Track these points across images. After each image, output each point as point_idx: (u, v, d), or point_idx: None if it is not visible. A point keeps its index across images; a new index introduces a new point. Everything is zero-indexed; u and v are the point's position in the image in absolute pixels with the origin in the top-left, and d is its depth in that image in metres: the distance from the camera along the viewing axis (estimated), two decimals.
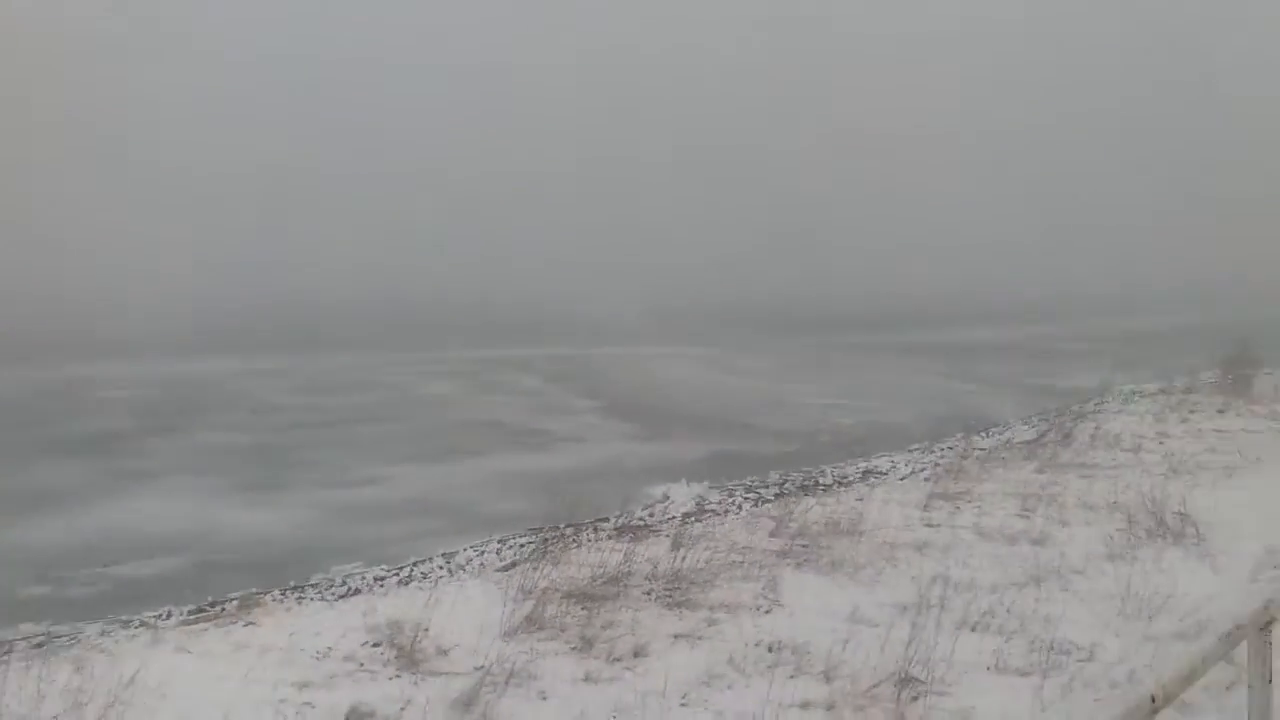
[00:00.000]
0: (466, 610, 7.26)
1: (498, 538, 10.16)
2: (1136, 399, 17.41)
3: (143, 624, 7.58)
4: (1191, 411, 15.53)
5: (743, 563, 8.23)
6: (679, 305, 55.33)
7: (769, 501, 11.80)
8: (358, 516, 12.21)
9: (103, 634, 7.34)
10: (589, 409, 21.65)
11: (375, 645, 6.77)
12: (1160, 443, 13.27)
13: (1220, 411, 15.48)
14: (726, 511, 11.41)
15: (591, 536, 9.92)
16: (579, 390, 24.78)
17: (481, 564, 9.13)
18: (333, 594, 8.32)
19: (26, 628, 7.56)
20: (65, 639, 7.27)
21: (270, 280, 66.78)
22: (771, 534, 9.30)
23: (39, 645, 7.17)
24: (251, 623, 7.34)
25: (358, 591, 8.38)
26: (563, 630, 6.92)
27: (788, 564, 8.34)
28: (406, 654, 6.53)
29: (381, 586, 8.53)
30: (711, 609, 7.36)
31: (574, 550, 8.77)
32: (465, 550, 9.74)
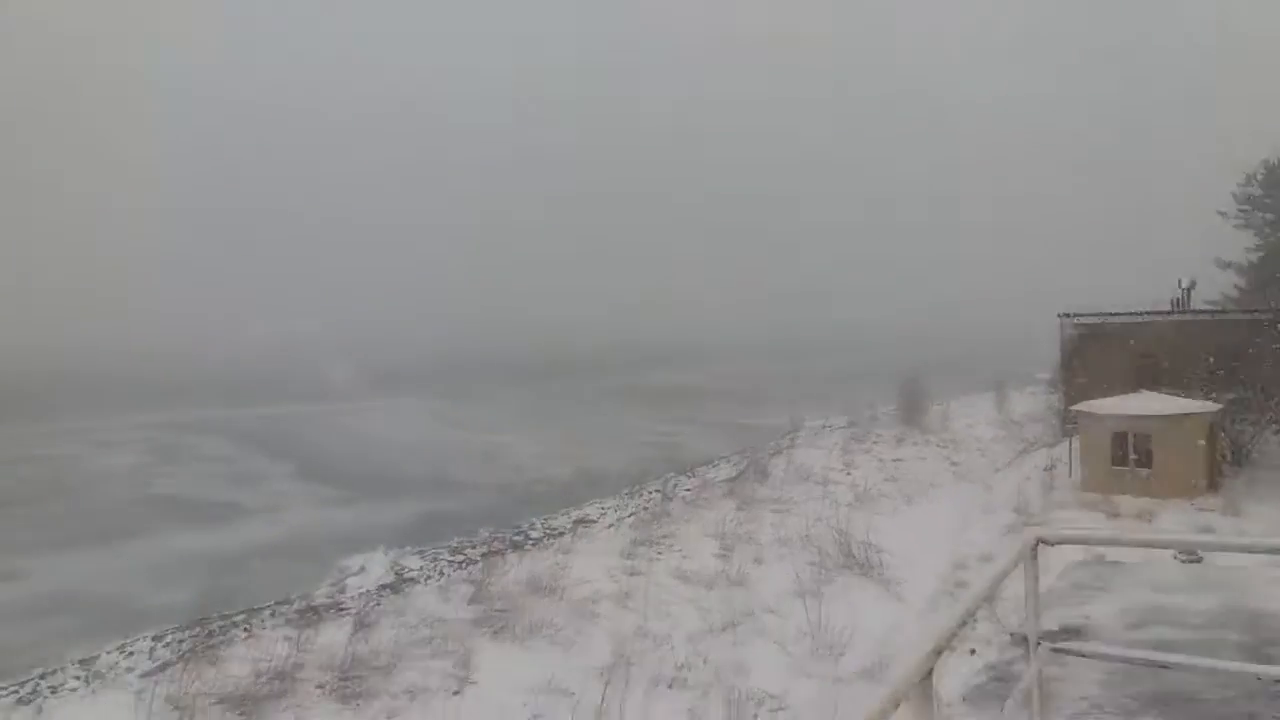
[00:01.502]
0: None
1: (151, 634, 8.76)
2: (825, 433, 18.54)
3: None
4: (875, 443, 16.70)
5: (433, 638, 7.56)
6: (400, 357, 53.51)
7: (475, 563, 11.17)
8: None
9: None
10: (284, 474, 19.96)
11: None
12: (847, 473, 14.07)
13: (899, 441, 16.78)
14: (428, 578, 10.66)
15: (268, 623, 8.83)
16: (275, 453, 22.87)
17: (128, 668, 7.78)
18: None
19: None
20: None
21: None
22: (470, 600, 8.70)
23: None
24: None
25: None
26: None
27: (483, 634, 7.78)
28: None
29: None
30: (393, 696, 6.64)
31: (240, 644, 7.71)
32: (109, 653, 8.28)
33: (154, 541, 13.92)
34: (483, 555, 11.59)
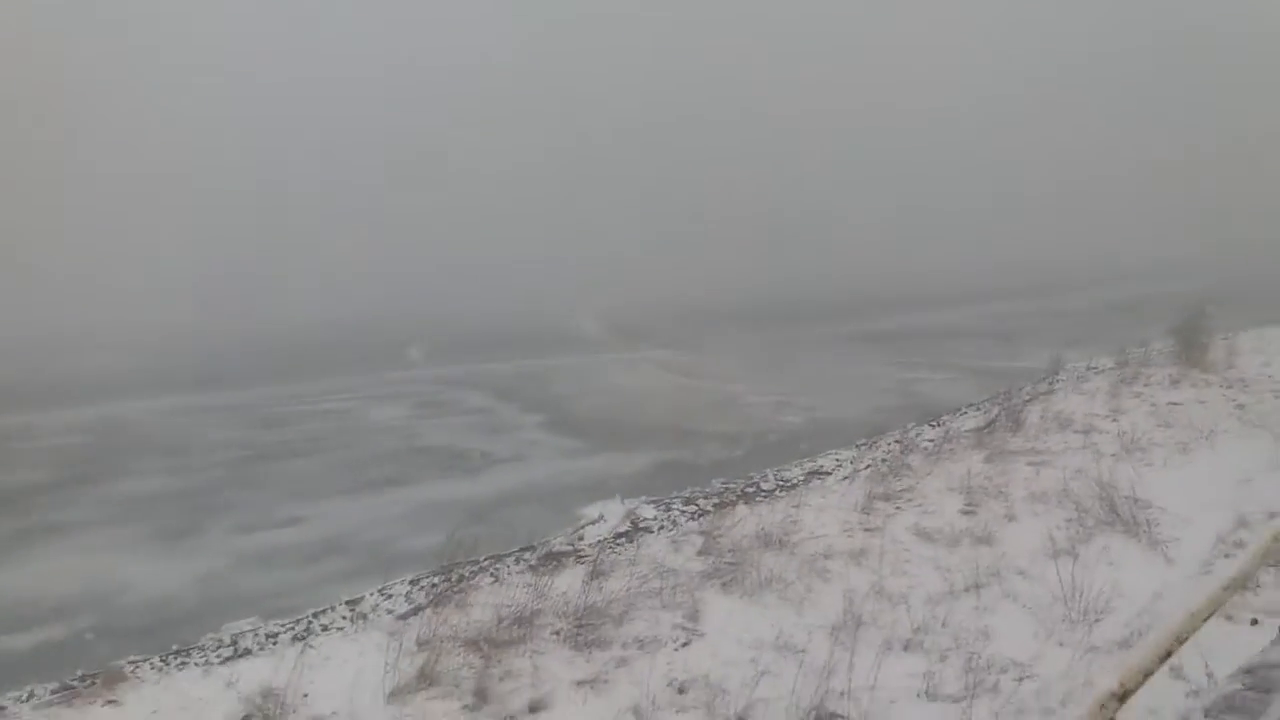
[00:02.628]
0: (353, 669, 6.61)
1: (409, 578, 9.48)
2: (1091, 375, 17.04)
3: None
4: (1145, 385, 15.15)
5: (663, 589, 7.63)
6: (640, 306, 54.68)
7: (706, 513, 11.22)
8: (267, 563, 11.48)
9: None
10: (533, 424, 20.98)
11: (247, 718, 6.10)
12: (1113, 421, 12.86)
13: (1174, 383, 15.13)
14: (661, 528, 10.83)
15: (511, 569, 9.30)
16: (527, 405, 24.10)
17: (388, 610, 8.46)
18: (218, 656, 7.61)
19: None
20: None
21: (229, 306, 65.23)
22: (699, 552, 8.72)
23: None
24: (113, 701, 6.64)
25: (248, 652, 7.69)
26: (457, 686, 6.29)
27: (712, 586, 7.76)
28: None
29: (274, 644, 7.83)
30: (624, 646, 6.77)
31: (485, 589, 8.14)
32: (371, 595, 9.05)
33: (417, 489, 15.07)
34: (714, 506, 11.62)
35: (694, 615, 7.20)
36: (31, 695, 7.10)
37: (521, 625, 7.11)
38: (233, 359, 41.26)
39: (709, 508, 11.53)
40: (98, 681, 7.24)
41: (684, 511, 11.62)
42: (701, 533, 9.26)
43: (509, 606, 7.41)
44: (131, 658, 7.68)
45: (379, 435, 21.48)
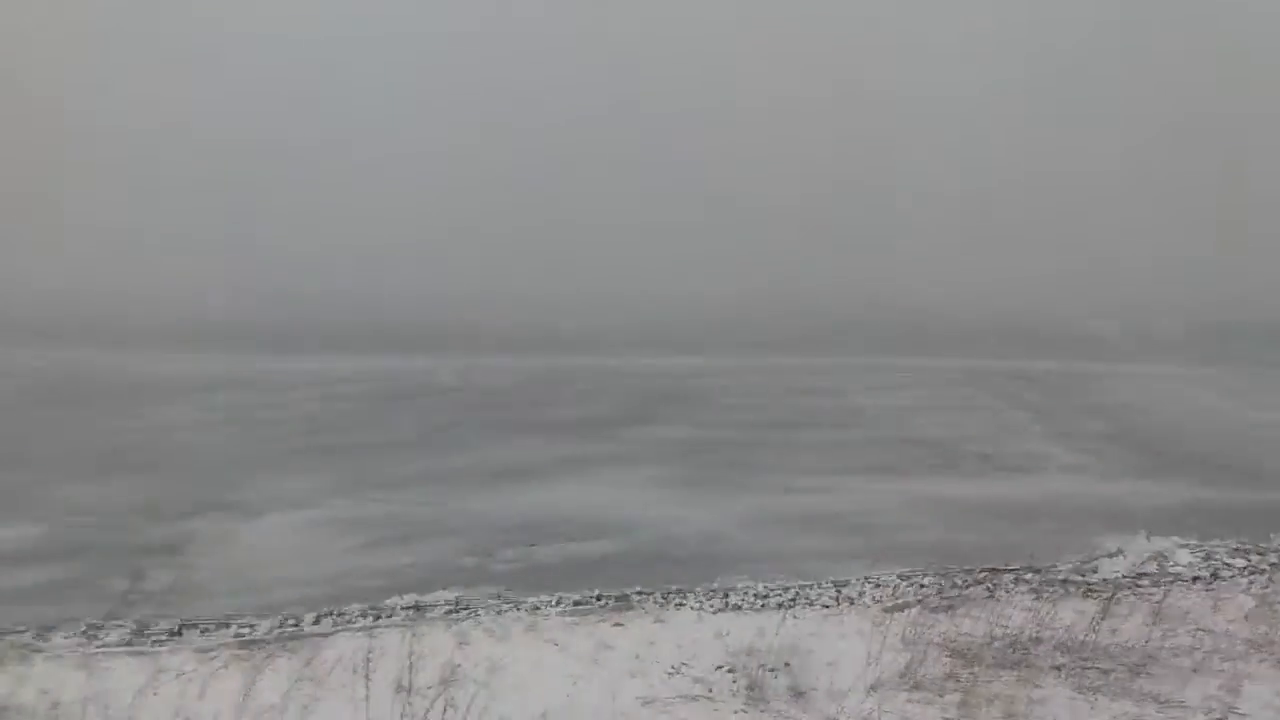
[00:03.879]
0: (834, 650, 6.65)
1: (898, 572, 9.30)
2: None
3: (534, 608, 8.02)
4: None
5: (1195, 649, 6.57)
6: (1160, 313, 47.78)
7: (1260, 572, 9.48)
8: (762, 526, 12.03)
9: (499, 612, 7.88)
10: (1039, 434, 19.41)
11: (730, 671, 6.44)
12: None
13: None
14: (1196, 578, 9.37)
15: (1011, 588, 8.69)
16: (1033, 411, 22.41)
17: (875, 599, 8.39)
18: (711, 606, 8.15)
19: (439, 594, 8.39)
20: (467, 612, 7.91)
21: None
22: (1248, 616, 7.37)
23: (447, 614, 7.89)
24: (620, 624, 7.42)
25: (737, 608, 8.13)
26: (940, 695, 6.02)
27: (1263, 660, 6.50)
28: (758, 689, 6.10)
29: (762, 605, 8.19)
30: (1138, 701, 5.95)
31: (978, 602, 7.70)
32: (857, 580, 9.04)
33: (909, 482, 14.78)
34: (1271, 565, 9.77)
35: (1234, 689, 6.10)
36: (559, 602, 8.18)
37: (1016, 650, 6.60)
38: (774, 327, 43.77)
39: (1263, 565, 9.71)
40: (610, 603, 8.15)
41: (1229, 564, 9.91)
42: (1253, 595, 7.82)
43: (1004, 627, 6.93)
44: (640, 589, 8.50)
45: (875, 420, 21.48)
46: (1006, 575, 9.20)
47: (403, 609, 8.07)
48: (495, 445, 17.59)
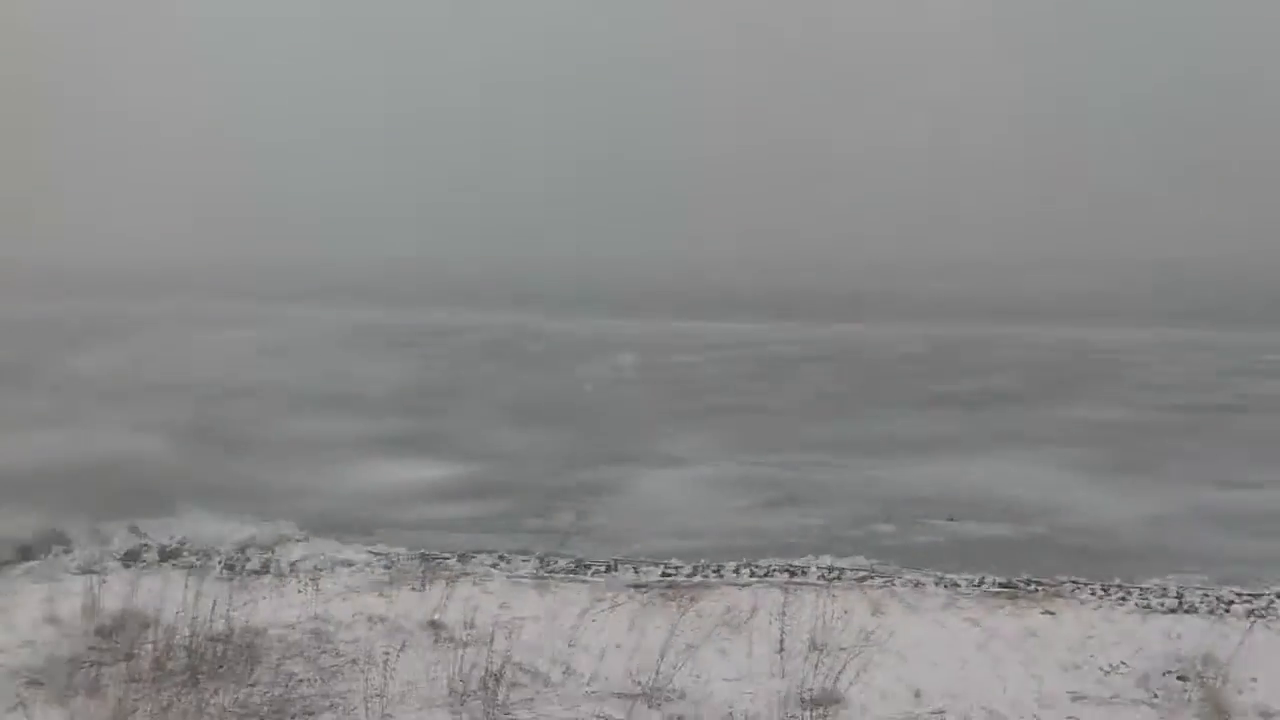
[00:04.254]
0: None
1: None
2: None
3: (953, 584, 7.82)
4: None
5: None
6: None
7: None
8: (1222, 523, 10.61)
9: (915, 585, 7.80)
10: None
11: (1180, 679, 5.82)
12: None
13: None
14: None
15: None
16: None
17: None
18: (1161, 604, 7.39)
19: (854, 560, 8.47)
20: (883, 580, 7.92)
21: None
22: None
23: (861, 580, 7.96)
24: (1050, 612, 7.02)
25: (1192, 609, 7.29)
26: None
27: None
28: (1213, 701, 5.46)
29: (1225, 611, 7.25)
30: None
31: None
32: None
33: None
34: None
35: None
36: (981, 582, 7.88)
37: None
38: (1216, 297, 38.75)
39: None
40: (1040, 590, 7.69)
41: None
42: None
43: None
44: (1072, 578, 7.93)
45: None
46: None
47: (818, 569, 8.26)
48: (893, 414, 17.30)
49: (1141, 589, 7.84)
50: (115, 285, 43.75)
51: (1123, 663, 6.06)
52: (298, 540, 8.72)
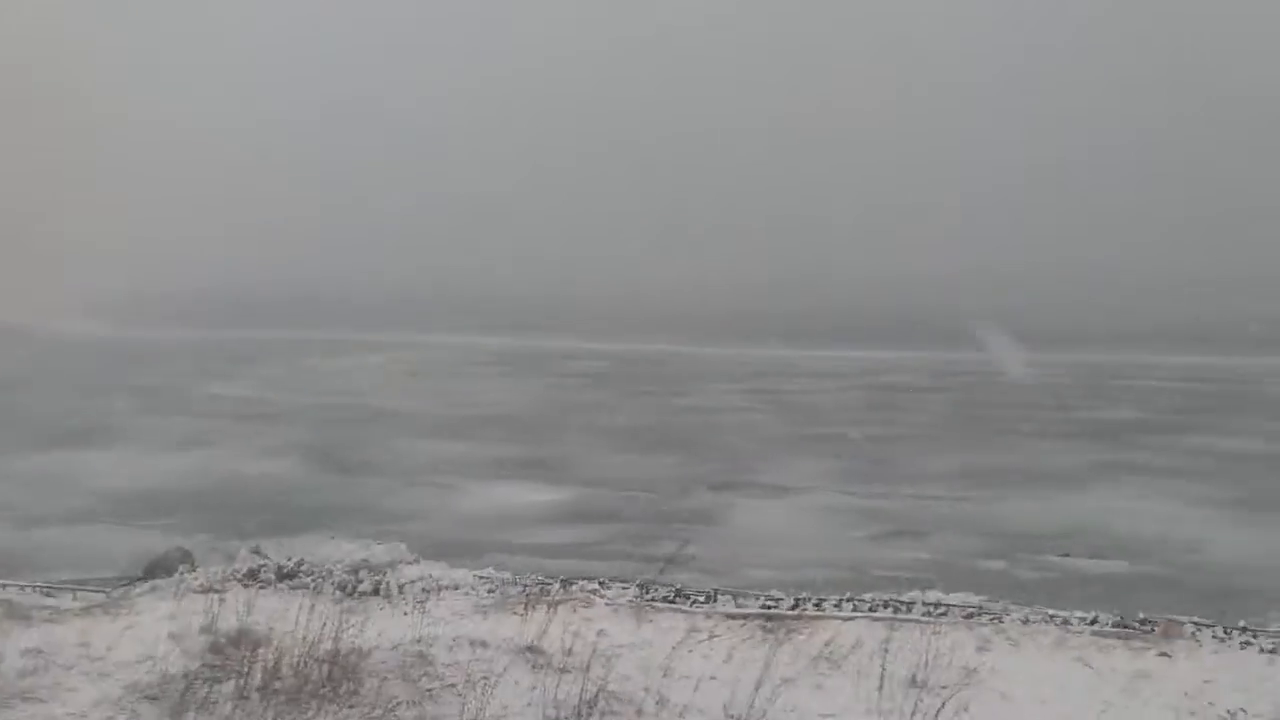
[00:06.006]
0: None
1: None
2: None
3: (1064, 622, 7.51)
4: None
5: None
6: None
7: None
8: None
9: (1025, 621, 7.54)
10: None
11: None
12: None
13: None
14: None
15: None
16: None
17: None
18: (1253, 644, 6.96)
19: (962, 595, 8.22)
20: (990, 617, 7.66)
21: None
22: None
23: (968, 616, 7.72)
24: (1166, 654, 6.67)
25: None
26: None
27: None
28: None
29: None
30: None
31: None
32: None
33: None
34: None
35: None
36: (1095, 620, 7.54)
37: None
38: None
39: None
40: (1156, 630, 7.30)
41: None
42: None
43: None
44: (1193, 619, 7.52)
45: None
46: None
47: (924, 604, 8.05)
48: (1007, 445, 16.71)
49: (1270, 632, 7.38)
50: (218, 311, 45.90)
51: (1242, 709, 5.71)
52: (409, 563, 9.00)
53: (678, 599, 8.28)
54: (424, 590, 8.12)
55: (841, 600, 8.27)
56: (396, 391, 24.32)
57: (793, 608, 8.08)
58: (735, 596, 8.37)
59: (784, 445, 17.06)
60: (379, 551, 9.20)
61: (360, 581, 8.20)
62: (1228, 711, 5.70)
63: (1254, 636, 7.26)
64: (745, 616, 7.73)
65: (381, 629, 6.55)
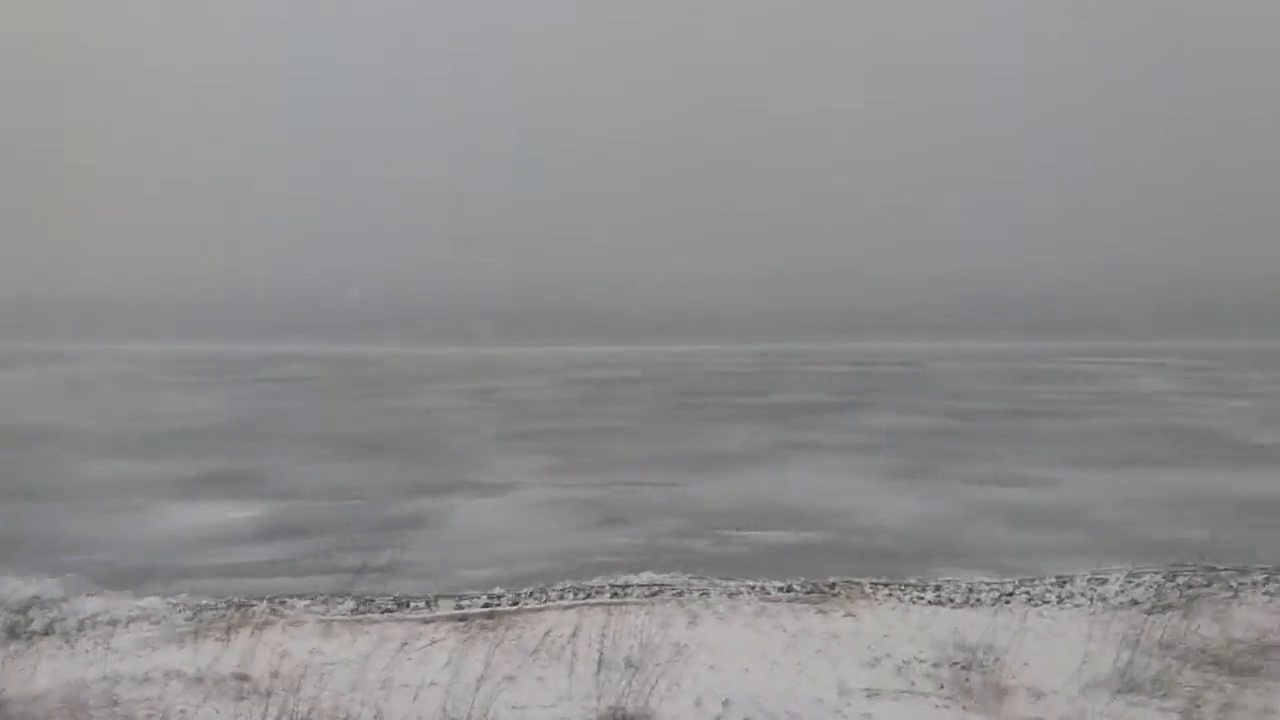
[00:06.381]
0: (1048, 649, 6.46)
1: (1127, 570, 8.78)
2: None
3: (734, 593, 8.19)
4: None
5: None
6: None
7: None
8: (986, 518, 11.59)
9: (701, 594, 8.12)
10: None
11: (934, 666, 6.40)
12: None
13: None
14: None
15: (1251, 588, 8.01)
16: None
17: (1099, 596, 8.00)
18: (920, 599, 8.06)
19: (645, 574, 8.75)
20: (674, 591, 8.22)
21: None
22: None
23: (678, 594, 8.22)
24: (850, 614, 7.47)
25: (948, 602, 7.99)
26: (1162, 699, 5.72)
27: None
28: (961, 685, 6.02)
29: (976, 601, 8.00)
30: None
31: (1219, 601, 7.20)
32: (1082, 578, 8.59)
33: (1169, 473, 13.79)
34: None
35: None
36: (790, 589, 8.31)
37: (1257, 656, 6.14)
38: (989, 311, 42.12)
39: None
40: (813, 591, 8.17)
41: None
42: None
43: (1250, 629, 6.45)
44: (873, 579, 8.50)
45: (1141, 407, 20.01)
46: (1255, 573, 8.46)
47: (638, 586, 8.48)
48: (706, 431, 17.82)
49: (935, 586, 8.49)
50: None
51: (916, 657, 6.57)
52: (89, 595, 8.22)
53: (397, 608, 8.18)
54: (110, 624, 7.46)
55: (563, 591, 8.53)
56: (75, 406, 21.82)
57: (514, 603, 8.23)
58: (457, 599, 8.40)
59: (500, 443, 17.15)
60: (51, 585, 8.33)
61: (30, 621, 7.38)
62: (903, 660, 6.53)
63: (921, 591, 8.34)
64: (466, 618, 7.77)
65: (57, 669, 5.96)
